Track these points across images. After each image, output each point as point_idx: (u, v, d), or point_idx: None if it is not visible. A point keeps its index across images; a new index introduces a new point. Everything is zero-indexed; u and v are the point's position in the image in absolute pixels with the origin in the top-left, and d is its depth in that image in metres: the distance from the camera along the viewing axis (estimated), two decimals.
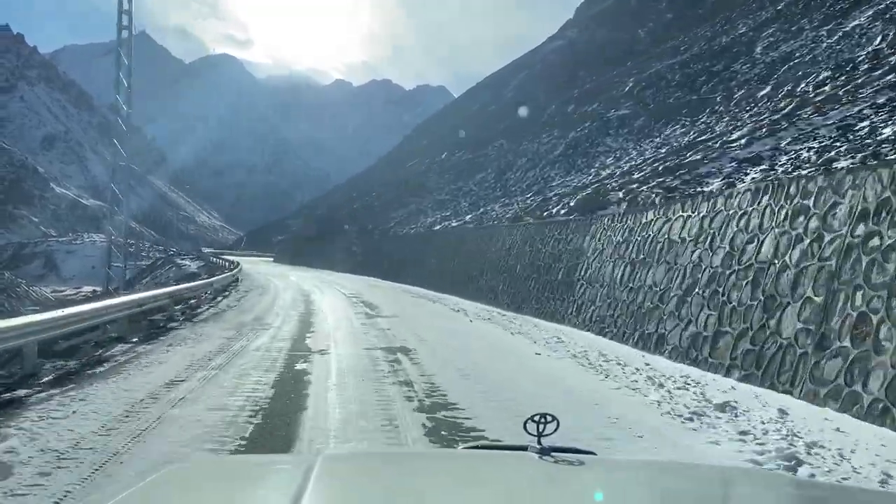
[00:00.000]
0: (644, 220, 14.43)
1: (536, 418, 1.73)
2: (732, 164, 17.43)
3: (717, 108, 30.71)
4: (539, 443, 1.68)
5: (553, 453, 1.63)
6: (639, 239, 14.32)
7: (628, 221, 15.29)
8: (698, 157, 19.98)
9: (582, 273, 16.93)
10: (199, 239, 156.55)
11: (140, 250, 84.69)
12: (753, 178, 14.85)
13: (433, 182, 58.29)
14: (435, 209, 45.04)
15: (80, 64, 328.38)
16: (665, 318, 12.16)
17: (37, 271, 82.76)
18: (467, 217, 31.38)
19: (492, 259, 24.73)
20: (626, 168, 24.50)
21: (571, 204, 21.99)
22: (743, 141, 19.34)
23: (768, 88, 28.00)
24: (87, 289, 53.08)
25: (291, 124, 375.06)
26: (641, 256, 13.97)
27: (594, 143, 35.43)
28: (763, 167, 16.04)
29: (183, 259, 54.20)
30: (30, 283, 61.88)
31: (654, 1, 76.70)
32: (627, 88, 42.04)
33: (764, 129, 19.59)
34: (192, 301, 19.05)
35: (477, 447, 2.10)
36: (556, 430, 1.72)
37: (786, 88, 25.97)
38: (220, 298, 22.90)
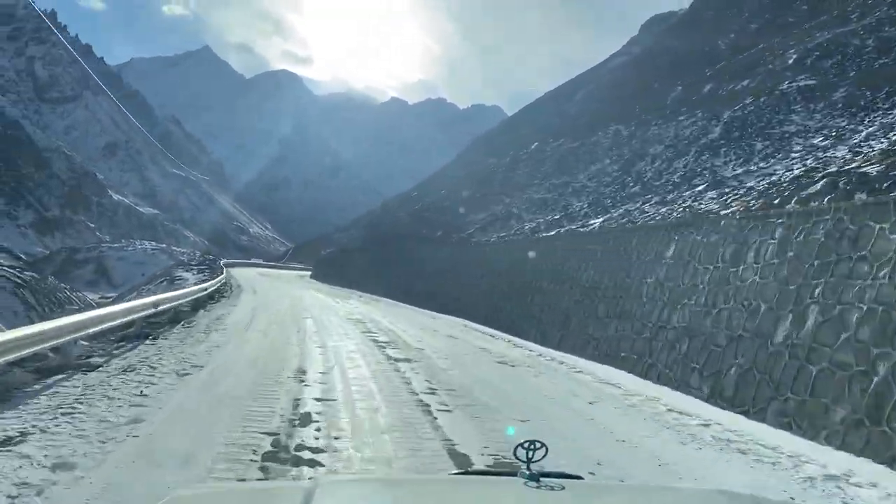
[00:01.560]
0: None
1: (526, 445, 1.76)
2: None
3: None
4: (528, 468, 1.72)
5: (542, 479, 1.68)
6: None
7: None
8: None
9: None
10: (252, 250, 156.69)
11: (191, 259, 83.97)
12: None
13: (522, 178, 50.25)
14: (533, 210, 36.91)
15: (144, 76, 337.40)
16: None
17: (88, 276, 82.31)
18: (596, 220, 21.93)
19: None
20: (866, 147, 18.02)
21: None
22: None
23: None
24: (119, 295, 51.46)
25: (347, 140, 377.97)
26: None
27: (772, 123, 28.74)
28: None
29: (188, 270, 47.19)
30: (80, 288, 60.72)
31: (731, 11, 72.88)
32: (792, 61, 35.95)
33: None
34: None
35: (468, 473, 2.10)
36: (544, 456, 1.76)
37: None
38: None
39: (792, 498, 5.27)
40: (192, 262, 61.03)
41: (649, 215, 19.72)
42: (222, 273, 41.51)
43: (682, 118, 38.59)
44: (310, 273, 71.34)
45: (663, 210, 19.42)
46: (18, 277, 47.33)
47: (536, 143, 60.87)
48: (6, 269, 49.34)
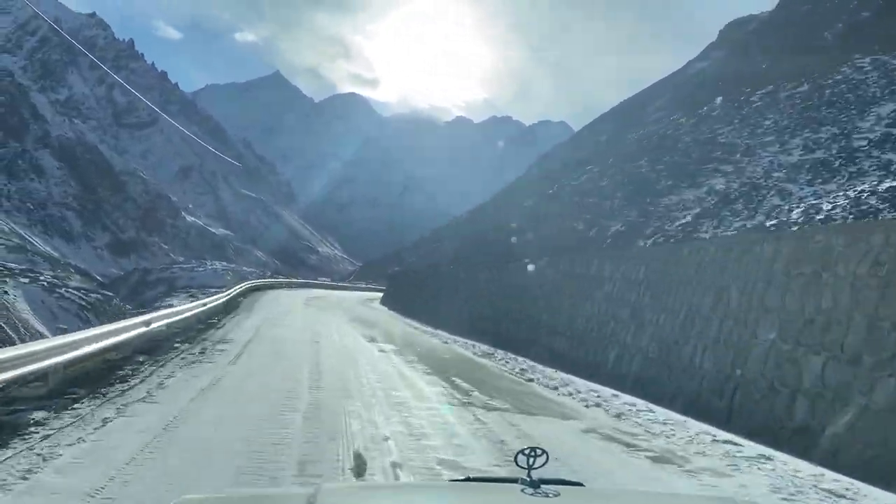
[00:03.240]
0: None
1: (527, 451, 1.79)
2: None
3: None
4: (529, 475, 1.74)
5: (543, 485, 1.70)
6: None
7: None
8: None
9: None
10: (320, 269, 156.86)
11: (260, 278, 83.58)
12: None
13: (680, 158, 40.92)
14: (719, 205, 27.94)
15: (218, 102, 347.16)
16: None
17: (159, 297, 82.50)
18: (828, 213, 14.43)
19: None
20: None
21: None
22: None
23: None
24: None
25: (414, 160, 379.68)
26: None
27: None
28: None
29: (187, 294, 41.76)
30: (150, 309, 60.16)
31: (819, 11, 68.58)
32: None
33: None
34: None
35: (469, 479, 2.10)
36: (545, 462, 1.78)
37: None
38: None
39: None
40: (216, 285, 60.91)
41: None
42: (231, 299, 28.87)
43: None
44: (381, 296, 53.00)
45: None
46: (84, 299, 47.15)
47: (683, 119, 55.32)
48: (72, 290, 49.26)
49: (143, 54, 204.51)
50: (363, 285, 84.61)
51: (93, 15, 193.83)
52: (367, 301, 47.20)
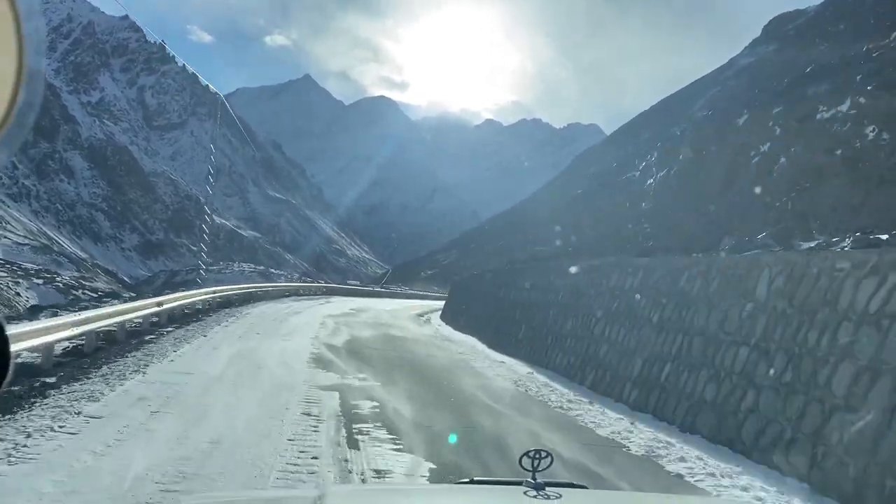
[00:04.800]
0: None
1: (531, 454, 1.81)
2: None
3: None
4: (533, 477, 1.75)
5: (547, 488, 1.71)
6: None
7: None
8: None
9: None
10: (349, 272, 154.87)
11: (289, 281, 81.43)
12: None
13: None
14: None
15: (250, 105, 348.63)
16: None
17: None
18: None
19: None
20: None
21: None
22: None
23: None
24: None
25: (443, 163, 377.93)
26: None
27: None
28: None
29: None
30: None
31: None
32: None
33: None
34: None
35: (473, 482, 2.08)
36: (549, 465, 1.79)
37: None
38: None
39: None
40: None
41: None
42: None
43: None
44: (426, 307, 39.49)
45: None
46: (95, 302, 44.95)
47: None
48: (88, 292, 47.10)
49: (174, 56, 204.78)
50: (408, 290, 74.97)
51: (125, 18, 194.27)
52: (427, 320, 31.43)
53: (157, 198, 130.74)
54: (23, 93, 0.43)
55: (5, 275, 37.53)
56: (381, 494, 2.25)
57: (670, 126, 74.99)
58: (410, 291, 71.91)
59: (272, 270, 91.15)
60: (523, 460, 1.80)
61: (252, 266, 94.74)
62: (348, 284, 72.86)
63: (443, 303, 36.69)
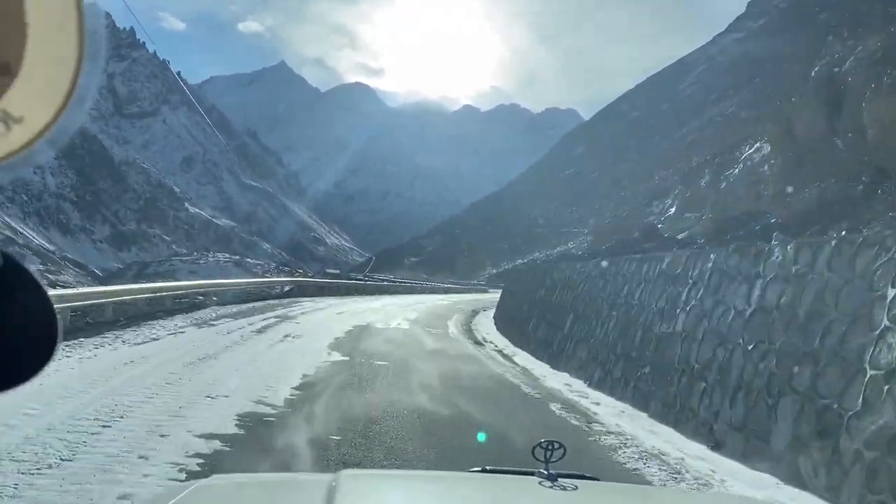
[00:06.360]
0: None
1: (544, 444, 1.82)
2: None
3: None
4: (546, 468, 1.78)
5: (559, 479, 1.74)
6: None
7: None
8: None
9: None
10: (328, 260, 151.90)
11: (266, 270, 78.49)
12: None
13: None
14: None
15: (224, 93, 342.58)
16: None
17: None
18: None
19: None
20: None
21: None
22: None
23: None
24: None
25: (421, 150, 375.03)
26: None
27: None
28: None
29: None
30: None
31: None
32: None
33: None
34: None
35: (486, 470, 2.08)
36: (562, 456, 1.82)
37: None
38: None
39: None
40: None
41: None
42: None
43: None
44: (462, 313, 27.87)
45: None
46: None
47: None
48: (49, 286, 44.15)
49: (143, 43, 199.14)
50: (417, 282, 62.71)
51: (93, 4, 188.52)
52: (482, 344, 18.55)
53: (129, 187, 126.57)
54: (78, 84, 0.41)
55: None
56: (394, 479, 2.24)
57: (659, 104, 73.04)
58: (410, 283, 56.21)
59: (248, 260, 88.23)
60: (536, 451, 1.80)
61: (227, 256, 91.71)
62: (327, 274, 63.74)
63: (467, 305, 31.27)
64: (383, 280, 54.11)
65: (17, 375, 0.47)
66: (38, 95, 0.39)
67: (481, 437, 7.20)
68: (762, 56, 59.71)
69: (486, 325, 23.05)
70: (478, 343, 17.94)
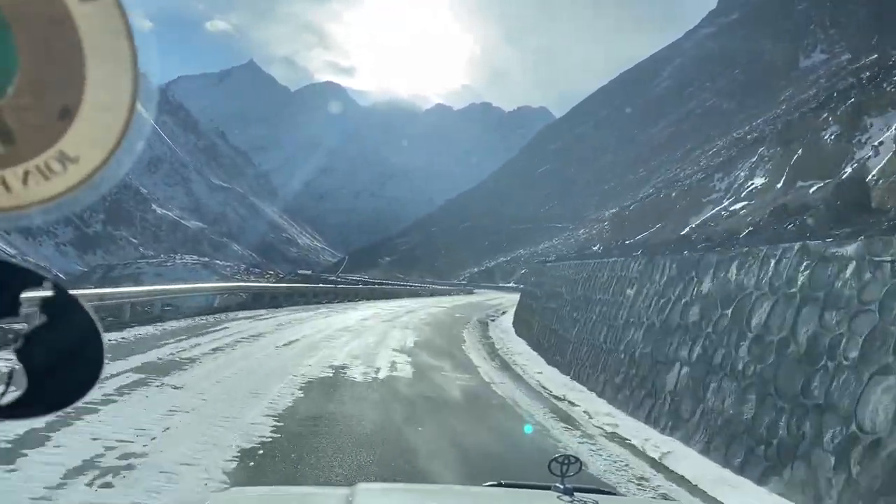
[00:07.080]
0: None
1: (560, 459, 1.81)
2: None
3: None
4: (562, 483, 1.77)
5: (576, 493, 1.73)
6: None
7: None
8: None
9: None
10: (300, 261, 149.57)
11: (236, 273, 76.65)
12: None
13: None
14: None
15: (191, 93, 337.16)
16: None
17: None
18: None
19: None
20: None
21: None
22: None
23: None
24: None
25: (394, 149, 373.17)
26: None
27: None
28: None
29: None
30: None
31: None
32: None
33: None
34: None
35: (502, 485, 2.07)
36: (578, 471, 1.80)
37: None
38: None
39: None
40: None
41: None
42: None
43: None
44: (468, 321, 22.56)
45: None
46: None
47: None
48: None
49: None
50: (411, 284, 56.27)
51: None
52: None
53: None
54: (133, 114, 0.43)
55: None
56: (410, 494, 2.23)
57: (634, 99, 72.46)
58: (389, 285, 49.06)
59: (217, 262, 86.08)
60: (552, 465, 1.78)
61: (195, 258, 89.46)
62: (298, 275, 59.70)
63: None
64: (357, 282, 47.58)
65: (64, 398, 0.50)
66: (92, 139, 0.43)
67: None
68: (738, 49, 59.37)
69: (535, 364, 13.54)
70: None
